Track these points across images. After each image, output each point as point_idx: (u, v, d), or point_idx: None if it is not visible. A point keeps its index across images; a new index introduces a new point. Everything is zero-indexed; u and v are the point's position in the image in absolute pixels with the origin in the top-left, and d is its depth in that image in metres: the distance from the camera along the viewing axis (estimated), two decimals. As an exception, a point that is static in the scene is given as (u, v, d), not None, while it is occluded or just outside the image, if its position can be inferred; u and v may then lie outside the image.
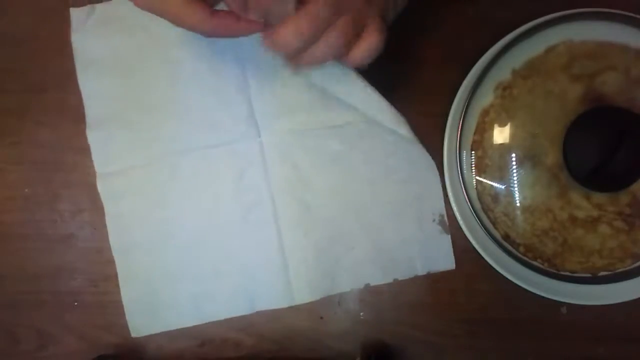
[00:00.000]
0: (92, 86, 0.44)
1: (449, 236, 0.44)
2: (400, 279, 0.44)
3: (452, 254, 0.44)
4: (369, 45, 0.32)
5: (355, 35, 0.31)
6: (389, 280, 0.44)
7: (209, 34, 0.31)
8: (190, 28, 0.30)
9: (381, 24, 0.32)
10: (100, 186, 0.44)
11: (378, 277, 0.44)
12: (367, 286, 0.44)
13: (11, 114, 0.45)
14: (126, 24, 0.44)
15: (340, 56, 0.32)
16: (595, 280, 0.41)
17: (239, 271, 0.44)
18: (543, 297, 0.41)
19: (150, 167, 0.44)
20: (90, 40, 0.44)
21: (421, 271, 0.44)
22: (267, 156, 0.44)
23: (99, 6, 0.44)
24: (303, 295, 0.44)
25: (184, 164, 0.44)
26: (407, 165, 0.44)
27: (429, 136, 0.43)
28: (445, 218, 0.44)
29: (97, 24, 0.44)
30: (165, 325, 0.45)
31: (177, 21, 0.30)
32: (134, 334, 0.44)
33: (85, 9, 0.44)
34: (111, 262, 0.44)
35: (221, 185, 0.44)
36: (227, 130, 0.44)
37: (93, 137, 0.44)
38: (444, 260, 0.44)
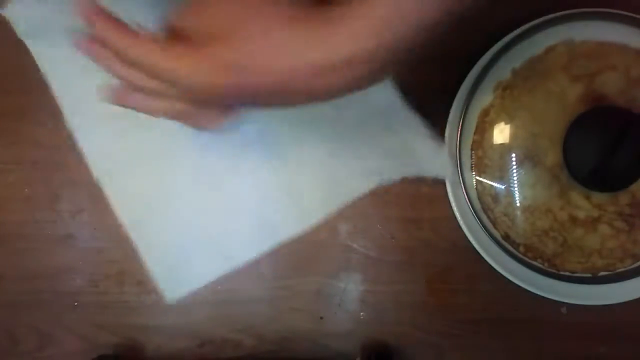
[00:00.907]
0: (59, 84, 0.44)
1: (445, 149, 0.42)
2: (409, 176, 0.43)
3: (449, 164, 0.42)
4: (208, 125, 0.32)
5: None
6: (399, 176, 0.43)
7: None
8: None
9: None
10: (92, 168, 0.44)
11: (389, 174, 0.43)
12: (379, 187, 0.43)
13: (11, 114, 0.45)
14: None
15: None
16: (595, 280, 0.41)
17: (253, 207, 0.44)
18: (543, 297, 0.41)
19: (126, 142, 0.44)
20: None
21: (431, 173, 0.43)
22: None
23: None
24: (317, 212, 0.44)
25: (155, 125, 0.43)
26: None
27: (429, 136, 0.43)
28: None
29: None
30: (198, 281, 0.44)
31: None
32: (169, 300, 0.44)
33: None
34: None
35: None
36: None
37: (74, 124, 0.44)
38: (444, 167, 0.43)
